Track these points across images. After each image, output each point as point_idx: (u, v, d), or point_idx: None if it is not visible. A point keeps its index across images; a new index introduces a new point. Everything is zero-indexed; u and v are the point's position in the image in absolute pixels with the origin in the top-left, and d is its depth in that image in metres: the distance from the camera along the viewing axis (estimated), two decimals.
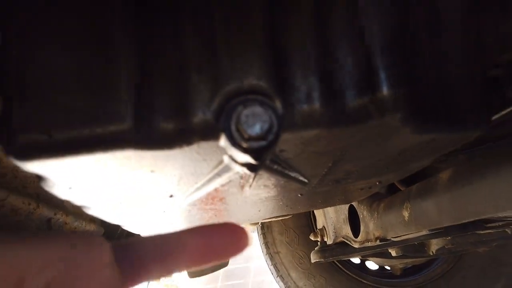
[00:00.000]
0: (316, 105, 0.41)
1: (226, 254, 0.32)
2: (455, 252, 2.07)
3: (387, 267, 2.79)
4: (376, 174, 0.68)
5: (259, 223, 2.52)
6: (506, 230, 1.78)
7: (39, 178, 0.44)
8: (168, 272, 0.31)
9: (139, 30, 0.39)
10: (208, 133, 0.39)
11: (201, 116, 0.39)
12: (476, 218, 0.80)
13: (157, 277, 0.30)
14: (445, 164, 1.23)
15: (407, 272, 2.82)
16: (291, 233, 2.73)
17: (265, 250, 2.76)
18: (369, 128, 0.44)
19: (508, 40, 1.26)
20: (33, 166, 0.38)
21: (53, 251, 0.25)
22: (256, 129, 0.37)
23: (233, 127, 0.38)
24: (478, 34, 1.15)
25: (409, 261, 2.56)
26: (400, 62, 0.42)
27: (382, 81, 0.41)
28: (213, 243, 0.32)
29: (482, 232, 1.69)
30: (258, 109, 0.37)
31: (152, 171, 0.46)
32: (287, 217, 1.13)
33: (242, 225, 0.33)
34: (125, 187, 0.49)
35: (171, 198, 0.58)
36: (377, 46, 0.41)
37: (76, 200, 0.51)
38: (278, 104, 0.39)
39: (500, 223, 1.50)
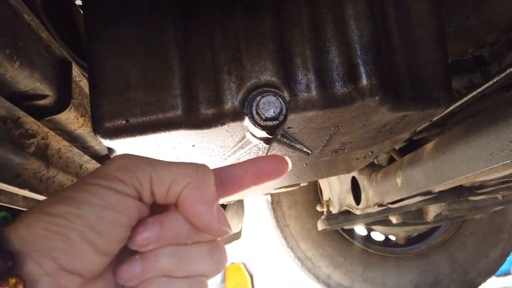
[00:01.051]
0: (313, 93, 0.56)
1: (274, 175, 0.46)
2: (452, 218, 2.22)
3: (392, 237, 2.93)
4: (366, 145, 0.84)
5: (269, 195, 2.66)
6: (497, 196, 1.93)
7: (109, 152, 0.61)
8: (237, 190, 0.46)
9: (185, 41, 0.55)
10: (236, 116, 0.56)
11: (230, 104, 0.55)
12: (454, 180, 0.95)
13: (232, 194, 0.46)
14: (434, 136, 1.38)
15: (410, 241, 2.96)
16: (299, 207, 2.84)
17: (275, 224, 2.87)
18: (354, 108, 0.59)
19: (492, 21, 1.40)
20: (113, 143, 0.55)
21: (187, 168, 0.41)
22: (270, 112, 0.53)
23: (254, 111, 0.54)
24: (463, 18, 1.29)
25: (410, 229, 2.71)
26: (376, 59, 0.57)
27: (361, 74, 0.56)
28: (264, 168, 0.46)
29: (475, 198, 1.83)
30: (272, 98, 0.53)
31: (193, 146, 0.62)
32: (295, 187, 1.29)
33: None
34: (171, 158, 0.66)
35: None
36: (357, 49, 0.56)
37: None
38: (286, 94, 0.55)
39: (489, 189, 1.65)
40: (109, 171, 0.40)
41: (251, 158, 0.47)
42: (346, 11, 0.57)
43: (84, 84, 1.11)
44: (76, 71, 1.04)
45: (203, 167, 0.42)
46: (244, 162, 0.46)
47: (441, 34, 0.67)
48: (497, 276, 3.64)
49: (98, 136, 0.53)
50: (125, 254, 0.41)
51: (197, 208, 0.40)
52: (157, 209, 0.43)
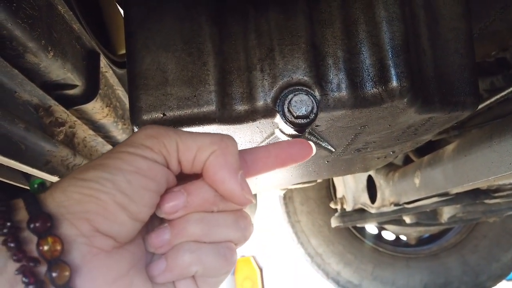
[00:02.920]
0: (344, 93, 0.57)
1: (298, 159, 0.47)
2: (466, 220, 2.21)
3: (403, 237, 2.93)
4: (389, 145, 0.84)
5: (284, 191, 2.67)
6: None
7: None
8: (261, 171, 0.47)
9: (220, 38, 0.57)
10: (267, 113, 0.57)
11: (263, 101, 0.56)
12: (475, 182, 0.96)
13: (255, 174, 0.47)
14: (453, 138, 1.37)
15: (422, 241, 2.95)
16: (312, 203, 2.85)
17: (286, 219, 2.89)
18: (382, 109, 0.60)
19: None
20: None
21: (212, 137, 0.42)
22: (302, 110, 0.54)
23: (285, 109, 0.55)
24: (488, 21, 1.29)
25: (422, 230, 2.70)
26: (406, 61, 0.58)
27: (392, 76, 0.57)
28: (289, 151, 0.47)
29: (490, 201, 1.82)
30: (304, 96, 0.54)
31: None
32: (312, 183, 1.30)
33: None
34: None
35: None
36: (388, 50, 0.57)
37: None
38: (317, 93, 0.57)
39: (506, 193, 1.64)
40: (137, 140, 0.41)
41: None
42: (378, 13, 0.58)
43: (109, 75, 1.13)
44: (103, 62, 1.07)
45: (228, 136, 0.43)
46: (268, 145, 0.48)
47: (469, 38, 0.68)
48: (508, 280, 3.61)
49: (135, 128, 0.56)
50: (154, 223, 0.44)
51: (222, 175, 0.41)
52: (183, 179, 0.44)
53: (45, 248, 0.35)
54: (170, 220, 0.43)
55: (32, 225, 0.36)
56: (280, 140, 0.65)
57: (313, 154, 0.48)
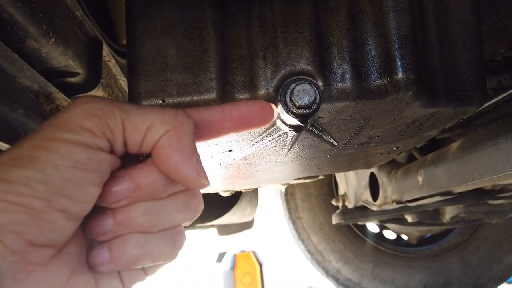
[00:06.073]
0: (348, 84, 0.56)
1: (257, 123, 0.43)
2: (469, 221, 2.19)
3: (404, 237, 2.92)
4: (393, 140, 0.83)
5: (283, 187, 2.66)
6: None
7: None
8: (214, 136, 0.42)
9: (222, 25, 0.55)
10: (269, 102, 0.56)
11: (264, 90, 0.55)
12: (479, 181, 0.94)
13: (206, 140, 0.42)
14: (458, 137, 1.36)
15: (423, 241, 2.94)
16: (313, 200, 2.84)
17: (287, 215, 2.89)
18: (387, 101, 0.59)
19: None
20: None
21: (164, 115, 0.37)
22: (305, 100, 0.53)
23: (287, 99, 0.54)
24: (497, 19, 1.27)
25: (424, 230, 2.69)
26: (413, 53, 0.57)
27: (398, 68, 0.56)
28: (247, 113, 0.42)
29: (494, 202, 1.80)
30: (306, 86, 0.53)
31: None
32: (314, 179, 1.29)
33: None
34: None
35: (229, 153, 0.75)
36: (395, 41, 0.55)
37: None
38: (320, 83, 0.55)
39: (511, 194, 1.62)
40: (74, 119, 0.34)
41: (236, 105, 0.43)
42: (385, 3, 0.56)
43: (112, 64, 1.12)
44: (105, 51, 1.06)
45: (182, 113, 0.39)
46: (224, 105, 0.42)
47: (478, 32, 0.66)
48: (509, 282, 3.59)
49: None
50: (95, 208, 0.37)
51: (176, 159, 0.37)
52: (129, 160, 0.39)
53: None
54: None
55: None
56: (281, 131, 0.64)
57: (273, 120, 0.43)
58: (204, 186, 0.39)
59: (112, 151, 0.36)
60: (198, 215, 0.41)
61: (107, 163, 0.36)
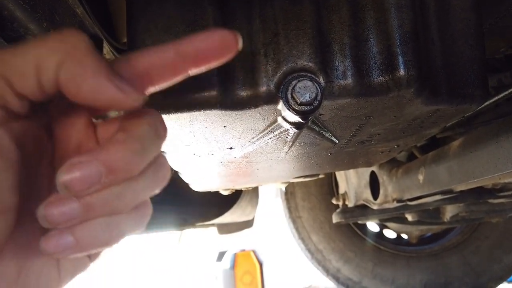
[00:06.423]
0: (349, 80, 0.56)
1: (217, 58, 0.36)
2: (469, 220, 2.19)
3: (404, 236, 2.91)
4: (394, 138, 0.83)
5: (284, 185, 2.66)
6: None
7: None
8: (170, 78, 0.37)
9: (223, 22, 0.55)
10: (270, 99, 0.56)
11: (266, 87, 0.55)
12: (481, 179, 0.94)
13: (161, 84, 0.37)
14: (458, 135, 1.36)
15: (423, 241, 2.94)
16: (313, 199, 2.84)
17: (287, 214, 2.88)
18: (388, 98, 0.59)
19: None
20: None
21: (47, 44, 0.31)
22: (306, 97, 0.53)
23: (289, 95, 0.54)
24: (498, 17, 1.27)
25: (424, 229, 2.69)
26: (415, 50, 0.57)
27: (400, 64, 0.56)
28: (203, 49, 0.35)
29: (495, 201, 1.80)
30: (308, 83, 0.53)
31: (224, 126, 0.62)
32: (315, 177, 1.29)
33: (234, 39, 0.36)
34: (201, 138, 0.67)
35: (230, 150, 0.75)
36: (397, 38, 0.55)
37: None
38: (321, 80, 0.55)
39: (511, 193, 1.62)
40: None
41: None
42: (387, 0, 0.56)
43: None
44: (106, 49, 1.05)
45: (68, 32, 0.32)
46: (177, 43, 0.36)
47: (480, 30, 0.66)
48: (509, 282, 3.59)
49: None
50: (37, 183, 0.33)
51: (87, 88, 0.31)
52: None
53: None
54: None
55: None
56: (282, 128, 0.63)
57: (239, 48, 0.37)
58: (137, 101, 0.34)
59: (7, 117, 0.30)
60: (165, 185, 0.38)
61: (5, 138, 0.29)
